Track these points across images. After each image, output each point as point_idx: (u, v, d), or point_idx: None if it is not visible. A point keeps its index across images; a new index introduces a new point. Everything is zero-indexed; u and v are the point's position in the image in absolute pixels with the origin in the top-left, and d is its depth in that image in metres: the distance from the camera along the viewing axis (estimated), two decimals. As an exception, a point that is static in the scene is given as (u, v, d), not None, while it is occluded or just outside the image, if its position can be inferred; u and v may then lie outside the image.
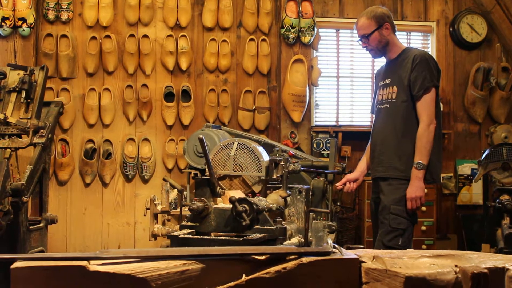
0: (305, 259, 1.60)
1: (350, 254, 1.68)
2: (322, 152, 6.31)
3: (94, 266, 1.46)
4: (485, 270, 1.55)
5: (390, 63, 4.25)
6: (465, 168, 6.68)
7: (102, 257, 1.50)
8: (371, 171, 4.28)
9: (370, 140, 4.34)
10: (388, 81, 4.16)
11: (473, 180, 6.36)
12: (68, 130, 6.01)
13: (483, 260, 1.67)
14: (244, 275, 1.55)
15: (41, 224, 4.17)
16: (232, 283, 1.54)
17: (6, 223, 3.60)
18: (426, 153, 3.91)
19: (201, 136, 2.79)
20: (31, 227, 3.99)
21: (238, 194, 2.90)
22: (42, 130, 4.17)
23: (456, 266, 1.60)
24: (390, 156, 4.07)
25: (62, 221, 5.83)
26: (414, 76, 3.97)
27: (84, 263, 1.46)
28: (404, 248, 3.83)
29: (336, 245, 1.71)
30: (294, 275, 1.57)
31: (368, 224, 6.15)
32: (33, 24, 5.75)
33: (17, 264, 1.46)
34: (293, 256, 1.61)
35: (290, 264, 1.58)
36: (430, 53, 6.56)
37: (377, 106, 4.26)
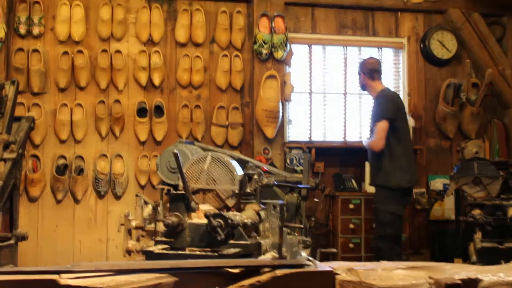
0: (279, 272, 1.59)
1: (324, 266, 1.68)
2: (295, 168, 6.31)
3: (65, 280, 1.44)
4: (459, 281, 1.56)
5: None
6: (437, 184, 6.73)
7: (73, 270, 1.47)
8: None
9: None
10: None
11: (445, 195, 6.41)
12: (40, 146, 5.93)
13: (457, 271, 1.68)
14: (218, 288, 1.54)
15: (11, 241, 4.10)
16: (206, 297, 1.53)
17: (-25, 239, 3.54)
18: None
19: (175, 151, 2.77)
20: (0, 244, 3.93)
21: (209, 208, 2.89)
22: (13, 145, 4.11)
23: (430, 277, 1.60)
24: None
25: (33, 238, 5.73)
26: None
27: (55, 277, 1.44)
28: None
29: (311, 258, 1.70)
30: (268, 288, 1.56)
31: (342, 240, 6.16)
32: (4, 39, 5.69)
33: (-14, 279, 1.43)
34: (267, 269, 1.60)
35: (264, 277, 1.57)
36: (401, 69, 6.73)
37: None
